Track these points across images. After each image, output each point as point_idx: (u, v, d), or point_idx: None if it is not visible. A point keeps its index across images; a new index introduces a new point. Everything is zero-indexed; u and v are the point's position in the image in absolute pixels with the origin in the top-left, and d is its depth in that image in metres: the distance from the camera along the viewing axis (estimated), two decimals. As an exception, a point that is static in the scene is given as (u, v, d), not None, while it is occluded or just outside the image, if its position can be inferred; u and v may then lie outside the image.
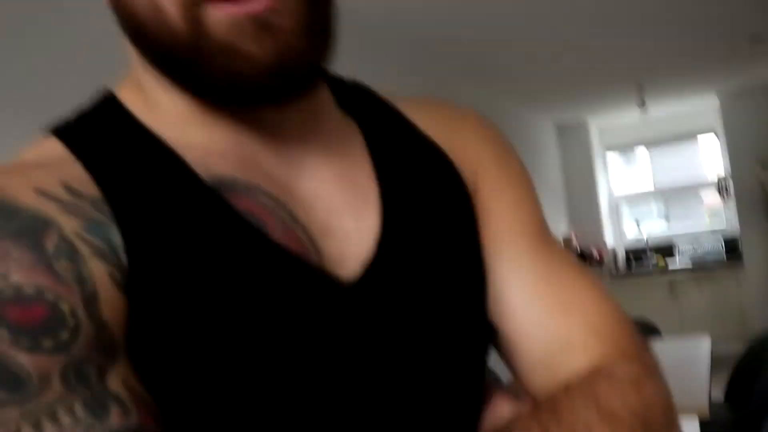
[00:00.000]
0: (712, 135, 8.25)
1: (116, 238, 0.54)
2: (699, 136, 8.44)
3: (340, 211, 0.64)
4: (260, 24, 0.54)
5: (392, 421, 0.61)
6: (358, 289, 0.61)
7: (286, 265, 0.58)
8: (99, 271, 0.52)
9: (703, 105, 8.02)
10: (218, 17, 0.54)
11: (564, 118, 8.24)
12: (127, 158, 0.59)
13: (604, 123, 8.68)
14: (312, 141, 0.66)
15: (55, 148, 0.60)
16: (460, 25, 4.38)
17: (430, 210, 0.69)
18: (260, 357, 0.55)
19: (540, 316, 0.69)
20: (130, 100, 0.64)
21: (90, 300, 0.50)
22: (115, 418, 0.48)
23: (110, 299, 0.52)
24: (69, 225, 0.53)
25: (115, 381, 0.50)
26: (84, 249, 0.52)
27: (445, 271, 0.67)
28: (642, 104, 6.76)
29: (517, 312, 0.70)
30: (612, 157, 8.98)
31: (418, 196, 0.69)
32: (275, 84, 0.56)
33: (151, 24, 0.55)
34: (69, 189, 0.55)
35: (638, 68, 6.14)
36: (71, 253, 0.51)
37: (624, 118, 8.32)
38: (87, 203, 0.55)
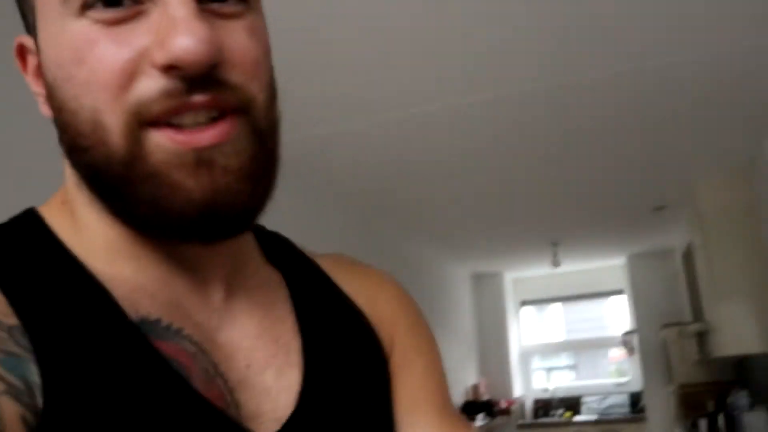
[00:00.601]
0: (620, 293, 8.56)
1: (33, 375, 0.49)
2: (608, 294, 8.74)
3: (261, 366, 0.62)
4: (202, 159, 0.52)
5: None
6: None
7: (206, 418, 0.55)
8: (10, 412, 0.46)
9: (612, 265, 8.37)
10: (160, 143, 0.52)
11: (480, 269, 8.44)
12: (49, 286, 0.55)
13: (519, 276, 8.94)
14: (237, 288, 0.65)
15: None
16: (382, 175, 4.54)
17: (349, 372, 0.68)
18: None
19: None
20: (57, 221, 0.60)
21: None
22: None
23: None
24: None
25: None
26: None
27: None
28: (555, 262, 7.02)
29: None
30: (524, 308, 9.18)
31: (337, 357, 0.68)
32: (204, 224, 0.54)
33: (90, 139, 0.53)
34: None
35: (552, 228, 6.44)
36: None
37: (538, 272, 8.60)
38: (4, 333, 0.50)
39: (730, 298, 4.91)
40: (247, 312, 0.64)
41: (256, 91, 0.56)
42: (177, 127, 0.52)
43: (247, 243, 0.68)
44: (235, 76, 0.54)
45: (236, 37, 0.55)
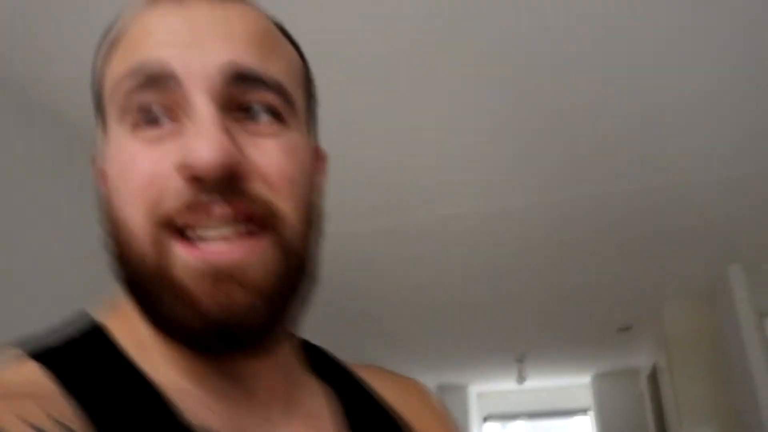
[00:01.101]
0: (585, 412, 8.48)
1: None
2: (573, 412, 8.65)
3: None
4: (221, 276, 0.52)
5: None
6: None
7: None
8: None
9: (578, 384, 8.35)
10: (182, 255, 0.52)
11: (445, 380, 8.34)
12: (118, 401, 0.55)
13: (483, 390, 8.84)
14: (293, 403, 0.65)
15: (35, 375, 0.54)
16: (347, 283, 4.56)
17: None
18: None
19: None
20: (118, 330, 0.61)
21: None
22: None
23: None
24: None
25: None
26: None
27: None
28: (521, 378, 6.99)
29: None
30: (488, 424, 9.04)
31: None
32: (215, 340, 0.54)
33: (126, 249, 0.54)
34: (63, 427, 0.49)
35: (518, 345, 6.45)
36: None
37: (503, 387, 8.52)
38: None
39: (695, 422, 4.89)
40: (302, 429, 0.64)
41: (287, 209, 0.56)
42: (201, 239, 0.52)
43: (296, 358, 0.68)
44: (264, 191, 0.55)
45: (268, 154, 0.56)
